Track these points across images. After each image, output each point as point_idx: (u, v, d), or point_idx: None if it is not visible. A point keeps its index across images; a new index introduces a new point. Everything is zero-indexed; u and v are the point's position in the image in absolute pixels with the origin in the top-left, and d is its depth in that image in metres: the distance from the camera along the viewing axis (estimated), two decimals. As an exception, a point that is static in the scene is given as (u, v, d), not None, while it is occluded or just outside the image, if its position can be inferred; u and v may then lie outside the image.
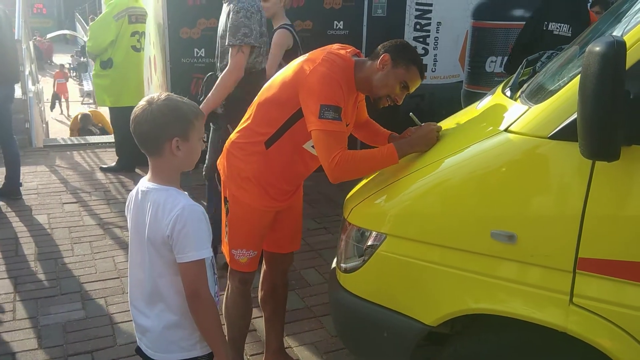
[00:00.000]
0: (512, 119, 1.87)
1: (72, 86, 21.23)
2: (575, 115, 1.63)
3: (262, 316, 2.93)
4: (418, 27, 6.50)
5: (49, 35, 25.27)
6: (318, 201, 5.23)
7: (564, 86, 1.78)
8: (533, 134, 1.77)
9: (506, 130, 1.85)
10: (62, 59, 26.46)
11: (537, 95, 1.93)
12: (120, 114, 5.84)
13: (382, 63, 2.30)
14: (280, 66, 4.05)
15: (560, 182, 1.77)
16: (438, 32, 6.60)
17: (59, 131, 13.43)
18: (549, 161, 1.78)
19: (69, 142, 7.76)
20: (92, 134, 9.94)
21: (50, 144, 7.56)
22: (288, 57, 4.09)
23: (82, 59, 23.09)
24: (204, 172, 3.93)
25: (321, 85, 2.21)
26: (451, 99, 6.01)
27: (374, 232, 2.11)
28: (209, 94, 3.50)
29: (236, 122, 2.62)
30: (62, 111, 17.60)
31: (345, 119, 2.31)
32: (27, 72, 7.31)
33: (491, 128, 1.93)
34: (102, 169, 6.17)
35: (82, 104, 19.03)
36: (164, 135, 1.69)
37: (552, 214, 1.78)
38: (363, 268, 2.14)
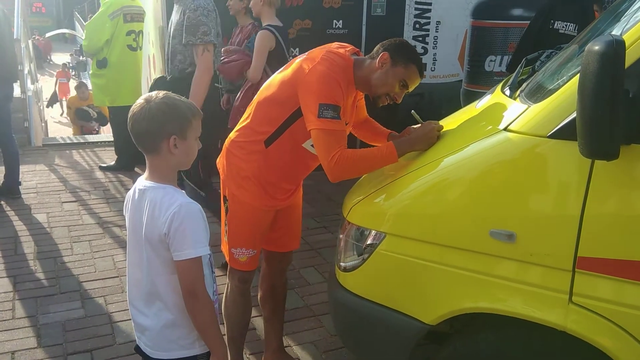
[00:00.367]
0: (511, 118, 1.87)
1: (72, 85, 21.17)
2: (574, 114, 1.63)
3: (261, 315, 2.93)
4: (417, 26, 6.50)
5: (48, 34, 25.24)
6: (317, 200, 5.23)
7: (563, 85, 1.78)
8: (532, 133, 1.78)
9: (505, 129, 1.85)
10: (61, 57, 26.42)
11: (537, 94, 1.93)
12: (118, 113, 5.83)
13: (381, 62, 2.30)
14: (265, 70, 4.07)
15: (560, 181, 1.77)
16: (437, 31, 6.59)
17: (58, 130, 13.41)
18: (548, 160, 1.78)
19: (68, 141, 7.75)
20: (88, 115, 9.74)
21: (49, 142, 7.56)
22: (273, 58, 4.09)
23: (81, 57, 23.06)
24: None
25: (320, 84, 2.21)
26: (450, 98, 6.01)
27: (373, 231, 2.11)
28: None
29: None
30: (63, 112, 17.45)
31: (345, 118, 2.31)
32: (26, 71, 7.30)
33: (490, 127, 1.94)
34: (102, 168, 6.16)
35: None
36: (161, 134, 1.69)
37: (551, 213, 1.78)
38: (362, 267, 2.14)
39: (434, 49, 6.64)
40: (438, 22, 6.56)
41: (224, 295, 2.69)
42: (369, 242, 2.12)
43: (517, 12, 5.46)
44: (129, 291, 1.88)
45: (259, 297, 2.85)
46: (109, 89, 6.00)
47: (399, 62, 2.29)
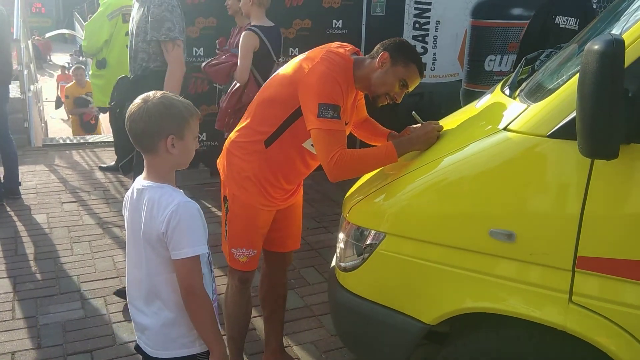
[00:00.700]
0: (511, 118, 1.87)
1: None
2: (574, 114, 1.63)
3: (261, 315, 2.93)
4: (417, 25, 6.50)
5: (47, 35, 25.22)
6: (317, 200, 5.23)
7: (562, 85, 1.78)
8: (532, 133, 1.78)
9: (505, 128, 1.85)
10: (61, 58, 26.42)
11: (536, 93, 1.93)
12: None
13: (381, 61, 2.30)
14: (251, 71, 4.07)
15: (559, 180, 1.77)
16: (437, 31, 6.59)
17: (60, 130, 13.41)
18: (548, 160, 1.78)
19: (68, 142, 7.75)
20: (87, 101, 9.67)
21: (49, 143, 7.56)
22: (259, 59, 4.09)
23: (80, 58, 23.05)
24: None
25: (320, 84, 2.21)
26: (450, 98, 6.00)
27: (373, 231, 2.11)
28: None
29: None
30: (69, 117, 17.31)
31: (345, 118, 2.31)
32: (25, 72, 7.29)
33: (490, 127, 1.94)
34: (101, 168, 6.16)
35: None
36: (159, 133, 1.70)
37: (551, 213, 1.78)
38: (362, 267, 2.14)
39: (433, 48, 6.64)
40: (438, 22, 6.56)
41: (224, 295, 2.69)
42: (368, 242, 2.12)
43: (516, 11, 5.45)
44: (128, 291, 1.88)
45: (259, 297, 2.85)
46: (108, 89, 5.97)
47: (399, 62, 2.29)
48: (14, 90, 7.36)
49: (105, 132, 9.44)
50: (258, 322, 3.18)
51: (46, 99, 12.08)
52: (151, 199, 1.72)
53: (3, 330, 3.16)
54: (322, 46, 2.40)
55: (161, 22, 3.25)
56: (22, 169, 5.44)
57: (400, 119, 2.82)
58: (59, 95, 15.76)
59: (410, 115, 2.37)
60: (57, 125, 14.10)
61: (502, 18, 5.60)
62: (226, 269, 2.64)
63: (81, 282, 3.69)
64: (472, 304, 1.91)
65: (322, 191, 5.38)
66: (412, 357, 2.10)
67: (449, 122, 2.34)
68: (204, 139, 5.75)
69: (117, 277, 3.76)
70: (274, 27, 4.20)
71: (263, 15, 4.15)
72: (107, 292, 3.56)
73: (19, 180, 5.29)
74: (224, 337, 2.52)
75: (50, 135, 9.49)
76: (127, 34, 5.94)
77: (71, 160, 6.54)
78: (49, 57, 29.82)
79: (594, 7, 6.08)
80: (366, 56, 2.39)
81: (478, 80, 5.80)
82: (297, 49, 5.73)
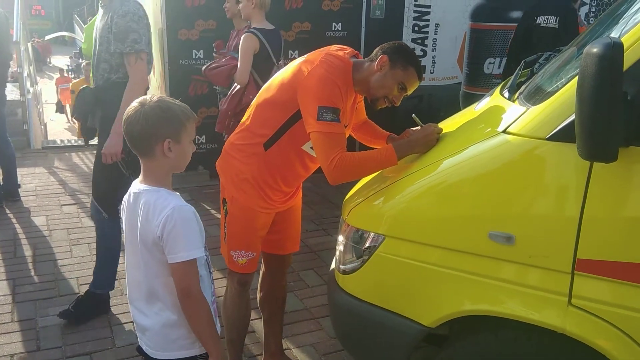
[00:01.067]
0: (510, 121, 1.87)
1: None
2: (573, 117, 1.64)
3: (260, 318, 2.93)
4: (416, 28, 6.52)
5: (47, 37, 25.25)
6: (317, 202, 5.23)
7: (561, 87, 1.78)
8: (531, 135, 1.78)
9: (504, 131, 1.86)
10: (60, 60, 26.44)
11: (535, 96, 1.93)
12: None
13: (380, 64, 2.30)
14: (251, 73, 4.07)
15: (559, 183, 1.77)
16: (436, 34, 6.61)
17: (59, 133, 13.42)
18: (547, 162, 1.78)
19: (68, 144, 7.76)
20: None
21: (48, 145, 7.56)
22: (259, 62, 4.09)
23: (80, 60, 23.07)
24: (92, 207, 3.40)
25: (319, 87, 2.21)
26: (449, 101, 6.01)
27: (372, 233, 2.11)
28: (119, 112, 3.00)
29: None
30: (68, 119, 17.22)
31: (344, 121, 2.31)
32: (25, 74, 7.30)
33: (489, 129, 1.94)
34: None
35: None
36: (155, 137, 1.70)
37: (550, 215, 1.78)
38: (362, 269, 2.14)
39: (433, 51, 6.65)
40: (437, 25, 6.57)
41: (224, 297, 2.69)
42: (368, 244, 2.12)
43: (515, 14, 5.46)
44: (129, 292, 1.88)
45: (258, 299, 2.85)
46: None
47: (398, 65, 2.29)
48: (14, 92, 7.37)
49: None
50: (257, 325, 3.18)
51: (46, 101, 12.09)
52: (147, 202, 1.73)
53: (2, 332, 3.15)
54: (322, 49, 2.40)
55: (126, 34, 3.06)
56: (21, 171, 5.44)
57: (399, 121, 2.83)
58: (60, 99, 15.74)
59: (410, 117, 2.37)
60: (57, 127, 14.10)
61: (501, 21, 5.62)
62: (225, 271, 2.64)
63: (80, 285, 3.68)
64: (471, 306, 1.91)
65: (322, 193, 5.39)
66: (411, 359, 2.10)
67: (448, 125, 2.34)
68: (204, 141, 5.76)
69: (116, 279, 3.75)
70: (275, 30, 4.21)
71: (263, 18, 4.16)
72: (106, 295, 3.56)
73: (19, 183, 5.29)
74: (223, 340, 2.52)
75: (49, 138, 9.50)
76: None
77: (71, 163, 6.54)
78: (48, 60, 29.84)
79: (588, 8, 6.14)
80: (365, 59, 2.40)
81: (477, 82, 5.82)
82: (296, 51, 5.74)
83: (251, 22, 4.18)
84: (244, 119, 2.51)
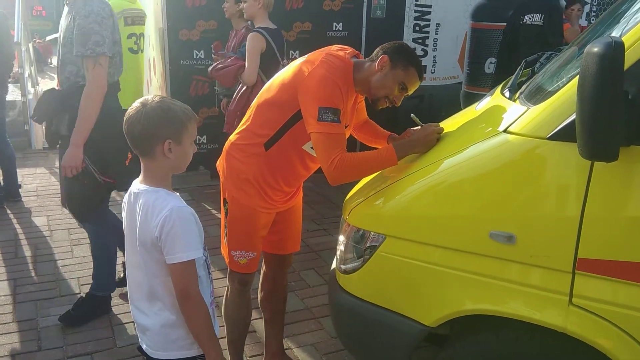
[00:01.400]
0: (511, 120, 1.87)
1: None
2: (574, 116, 1.63)
3: (261, 317, 2.93)
4: (417, 28, 6.51)
5: (48, 38, 25.27)
6: (318, 202, 5.23)
7: (562, 87, 1.78)
8: (532, 135, 1.78)
9: (505, 131, 1.85)
10: (61, 61, 26.46)
11: (536, 96, 1.93)
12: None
13: (381, 64, 2.30)
14: (258, 73, 4.07)
15: (559, 182, 1.77)
16: (437, 34, 6.60)
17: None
18: (548, 162, 1.78)
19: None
20: None
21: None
22: (265, 61, 4.10)
23: (81, 61, 23.06)
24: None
25: (320, 87, 2.21)
26: (450, 100, 6.01)
27: (373, 233, 2.11)
28: (76, 122, 2.93)
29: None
30: None
31: (344, 121, 2.31)
32: (26, 75, 7.30)
33: (490, 129, 1.94)
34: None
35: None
36: (156, 137, 1.70)
37: (551, 215, 1.78)
38: (362, 269, 2.14)
39: (433, 51, 6.65)
40: (438, 25, 6.57)
41: (224, 297, 2.69)
42: (368, 244, 2.12)
43: (516, 14, 5.47)
44: (129, 292, 1.88)
45: (259, 299, 2.85)
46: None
47: (399, 65, 2.29)
48: (15, 93, 7.37)
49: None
50: (258, 325, 3.18)
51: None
52: (146, 203, 1.73)
53: (3, 332, 3.15)
54: (322, 49, 2.40)
55: (87, 36, 2.87)
56: (22, 171, 5.44)
57: (400, 121, 2.82)
58: None
59: (410, 117, 2.37)
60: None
61: (502, 21, 5.61)
62: (226, 272, 2.64)
63: (81, 285, 3.68)
64: (472, 305, 1.91)
65: (322, 193, 5.39)
66: (412, 359, 2.10)
67: (449, 125, 2.34)
68: (205, 141, 5.76)
69: (116, 279, 3.75)
70: (277, 29, 4.22)
71: (267, 17, 4.17)
72: (107, 295, 3.56)
73: (19, 183, 5.29)
74: (224, 340, 2.52)
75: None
76: (129, 36, 5.97)
77: (72, 163, 6.53)
78: (49, 60, 29.83)
79: (589, 8, 6.14)
80: (366, 59, 2.40)
81: (478, 82, 5.81)
82: (297, 51, 5.74)
83: (254, 21, 4.19)
84: (244, 119, 2.51)
